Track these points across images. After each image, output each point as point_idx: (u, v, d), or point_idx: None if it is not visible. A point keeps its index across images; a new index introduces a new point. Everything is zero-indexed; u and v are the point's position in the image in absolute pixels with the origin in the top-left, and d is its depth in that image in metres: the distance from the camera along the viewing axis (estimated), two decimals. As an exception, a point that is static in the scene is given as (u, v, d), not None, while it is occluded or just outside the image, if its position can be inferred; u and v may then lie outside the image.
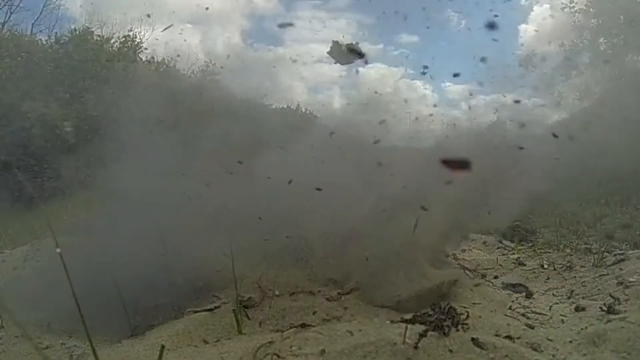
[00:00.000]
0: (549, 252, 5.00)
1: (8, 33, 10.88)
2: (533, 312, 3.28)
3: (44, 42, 11.74)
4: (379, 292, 3.14)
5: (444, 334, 2.26)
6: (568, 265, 4.46)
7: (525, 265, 4.84)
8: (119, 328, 3.00)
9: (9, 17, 12.49)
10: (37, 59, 9.86)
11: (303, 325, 2.77)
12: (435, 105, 4.12)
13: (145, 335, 2.99)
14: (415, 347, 2.16)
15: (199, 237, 3.42)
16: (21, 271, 4.54)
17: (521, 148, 3.19)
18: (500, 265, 4.91)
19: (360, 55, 2.59)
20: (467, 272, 4.20)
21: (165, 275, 3.17)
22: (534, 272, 4.57)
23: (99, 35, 12.16)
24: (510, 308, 3.44)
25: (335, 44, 2.68)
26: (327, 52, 2.69)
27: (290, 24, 3.56)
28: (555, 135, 3.18)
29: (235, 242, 3.06)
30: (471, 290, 3.56)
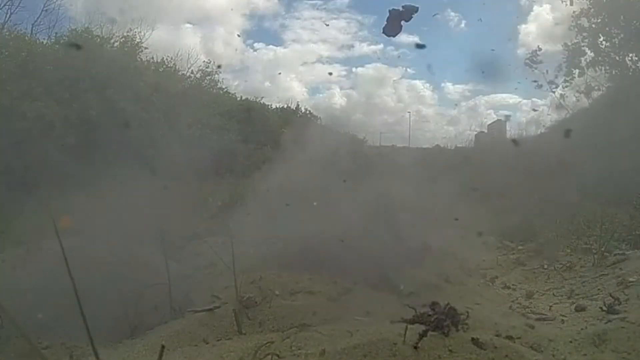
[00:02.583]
0: (549, 252, 4.99)
1: (8, 33, 10.84)
2: (533, 312, 3.28)
3: (44, 42, 11.73)
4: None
5: (444, 334, 2.26)
6: (568, 265, 4.46)
7: (525, 265, 4.84)
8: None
9: (9, 17, 12.45)
10: (37, 59, 9.81)
11: (303, 325, 2.77)
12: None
13: (145, 335, 2.99)
14: (415, 347, 2.16)
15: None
16: (21, 271, 4.52)
17: None
18: (500, 265, 4.91)
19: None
20: (468, 272, 4.20)
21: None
22: (534, 272, 4.57)
23: (98, 36, 12.12)
24: (510, 308, 3.44)
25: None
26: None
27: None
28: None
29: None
30: (471, 290, 3.56)
